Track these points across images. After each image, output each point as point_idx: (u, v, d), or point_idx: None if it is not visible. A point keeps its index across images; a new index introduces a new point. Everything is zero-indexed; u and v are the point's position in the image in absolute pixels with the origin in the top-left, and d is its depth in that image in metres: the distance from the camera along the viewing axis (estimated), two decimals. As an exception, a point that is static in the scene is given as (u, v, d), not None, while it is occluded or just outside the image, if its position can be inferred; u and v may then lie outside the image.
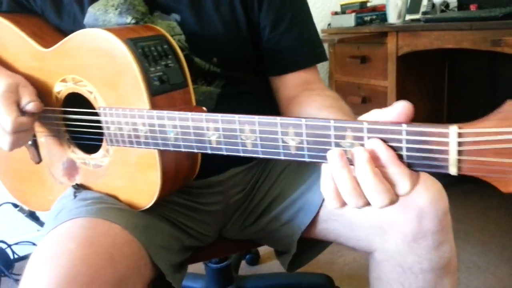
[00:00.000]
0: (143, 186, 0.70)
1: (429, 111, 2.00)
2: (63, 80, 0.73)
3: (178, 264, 0.78)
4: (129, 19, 0.73)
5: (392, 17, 1.93)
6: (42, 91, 0.75)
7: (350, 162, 0.45)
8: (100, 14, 0.74)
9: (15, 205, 1.56)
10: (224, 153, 0.56)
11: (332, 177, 0.45)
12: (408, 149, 0.41)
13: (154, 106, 0.65)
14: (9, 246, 1.72)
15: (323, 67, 2.22)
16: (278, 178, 0.87)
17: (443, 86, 2.05)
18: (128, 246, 0.64)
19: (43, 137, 0.79)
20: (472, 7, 1.80)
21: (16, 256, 1.73)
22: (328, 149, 0.46)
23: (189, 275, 0.83)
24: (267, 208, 0.86)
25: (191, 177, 0.75)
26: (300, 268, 0.88)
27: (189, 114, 0.57)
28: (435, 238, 0.69)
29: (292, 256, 0.82)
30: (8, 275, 1.57)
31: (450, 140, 0.38)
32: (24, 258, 1.77)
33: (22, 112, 0.69)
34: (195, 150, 0.58)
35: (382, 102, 1.86)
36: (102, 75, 0.68)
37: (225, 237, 0.91)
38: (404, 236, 0.69)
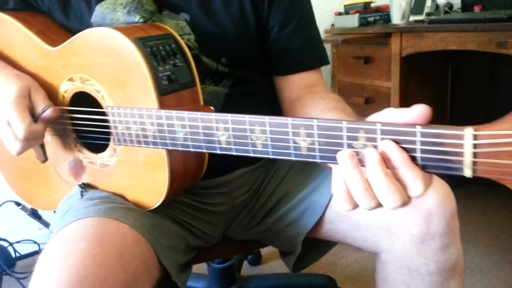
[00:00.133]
0: (151, 186, 0.70)
1: (432, 112, 1.99)
2: (70, 79, 0.72)
3: (183, 264, 0.78)
4: (137, 18, 0.73)
5: (396, 18, 1.93)
6: (48, 90, 0.74)
7: (361, 163, 0.44)
8: (108, 13, 0.74)
9: (18, 204, 1.56)
10: (234, 153, 0.55)
11: (343, 179, 0.45)
12: (423, 151, 0.41)
13: (162, 105, 0.64)
14: (11, 244, 1.71)
15: (325, 68, 2.22)
16: (284, 178, 0.87)
17: (447, 87, 2.05)
18: (137, 246, 0.64)
19: (49, 136, 0.79)
20: (476, 9, 1.80)
21: (17, 255, 1.73)
22: (341, 150, 0.46)
23: (191, 275, 0.83)
24: (273, 208, 0.86)
25: (199, 177, 0.75)
26: (304, 269, 0.87)
27: (198, 114, 0.57)
28: (443, 240, 0.68)
29: (297, 256, 0.82)
30: (9, 273, 1.56)
31: (465, 142, 0.38)
32: (26, 256, 1.76)
33: (34, 117, 0.69)
34: (204, 150, 0.58)
35: (385, 103, 1.86)
36: (110, 74, 0.67)
37: (229, 238, 0.91)
38: (411, 237, 0.69)
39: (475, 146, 0.38)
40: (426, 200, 0.68)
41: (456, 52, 1.75)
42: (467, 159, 0.38)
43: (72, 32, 0.77)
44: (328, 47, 2.23)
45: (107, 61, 0.67)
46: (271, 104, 0.86)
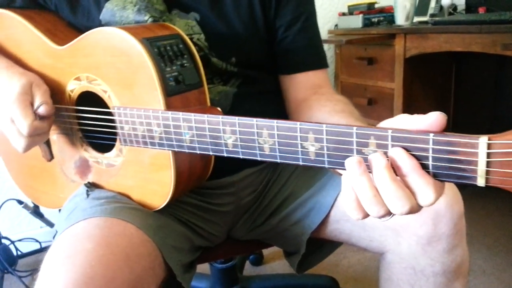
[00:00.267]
0: (156, 187, 0.69)
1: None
2: (77, 79, 0.72)
3: (188, 264, 0.78)
4: (147, 17, 0.73)
5: (400, 19, 1.92)
6: (55, 89, 0.74)
7: (370, 169, 0.44)
8: (118, 10, 0.74)
9: (20, 202, 1.56)
10: (241, 156, 0.55)
11: (352, 187, 0.45)
12: (435, 159, 0.40)
13: (169, 106, 0.64)
14: (13, 242, 1.71)
15: (328, 68, 2.22)
16: (289, 178, 0.87)
17: (450, 89, 2.04)
18: (144, 246, 0.64)
19: (55, 135, 0.78)
20: (481, 10, 1.79)
21: (19, 253, 1.73)
22: (350, 156, 0.45)
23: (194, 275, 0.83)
24: (278, 208, 0.86)
25: (204, 178, 0.74)
26: (309, 270, 0.87)
27: (205, 116, 0.56)
28: (449, 242, 0.68)
29: (301, 256, 0.82)
30: (11, 271, 1.56)
31: (480, 151, 0.37)
32: (27, 255, 1.77)
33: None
34: (211, 153, 0.58)
35: (388, 104, 1.85)
36: (117, 74, 0.67)
37: (233, 238, 0.91)
38: (418, 238, 0.69)
39: (489, 155, 0.37)
40: None
41: (460, 53, 1.74)
42: (481, 168, 0.38)
43: (79, 30, 0.77)
44: (331, 48, 2.22)
45: (115, 61, 0.67)
46: (279, 103, 0.86)
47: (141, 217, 0.68)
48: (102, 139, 0.73)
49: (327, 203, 0.78)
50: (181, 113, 0.59)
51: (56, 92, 0.74)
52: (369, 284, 1.48)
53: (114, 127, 0.69)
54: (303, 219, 0.81)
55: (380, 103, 1.91)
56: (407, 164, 0.42)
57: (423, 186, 0.41)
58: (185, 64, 0.67)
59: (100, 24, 0.75)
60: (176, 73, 0.66)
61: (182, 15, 0.75)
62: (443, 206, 0.67)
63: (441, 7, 1.91)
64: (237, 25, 0.77)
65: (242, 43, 0.78)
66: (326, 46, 2.17)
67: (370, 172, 0.44)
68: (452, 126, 1.98)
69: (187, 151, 0.60)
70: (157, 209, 0.71)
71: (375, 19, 2.01)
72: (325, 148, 0.47)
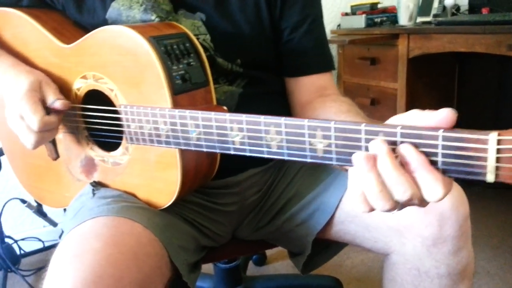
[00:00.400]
0: (162, 185, 0.69)
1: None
2: (84, 77, 0.72)
3: (193, 264, 0.78)
4: (153, 16, 0.73)
5: (403, 19, 1.92)
6: (61, 88, 0.74)
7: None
8: (124, 10, 0.74)
9: (23, 201, 1.56)
10: (248, 154, 0.55)
11: (358, 181, 0.45)
12: (444, 155, 0.40)
13: (175, 105, 0.64)
14: (16, 241, 1.72)
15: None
16: (294, 178, 0.87)
17: (453, 90, 2.04)
18: (151, 246, 0.64)
19: (61, 134, 0.79)
20: (484, 11, 1.79)
21: (22, 252, 1.73)
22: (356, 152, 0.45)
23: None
24: (282, 208, 0.85)
25: (210, 177, 0.74)
26: (314, 270, 0.87)
27: (212, 114, 0.57)
28: (455, 244, 0.68)
29: (306, 257, 0.82)
30: (14, 270, 1.56)
31: (489, 147, 0.37)
32: (31, 254, 1.77)
33: (47, 110, 0.69)
34: (218, 151, 0.58)
35: (391, 104, 1.85)
36: (124, 73, 0.67)
37: (238, 238, 0.91)
38: (423, 240, 0.68)
39: (498, 151, 0.37)
40: (440, 202, 0.67)
41: (463, 54, 1.74)
42: (490, 164, 0.38)
43: (86, 28, 0.78)
44: (334, 48, 2.22)
45: (122, 59, 0.67)
46: (285, 104, 0.86)
47: (148, 216, 0.68)
48: (108, 138, 0.73)
49: (332, 204, 0.78)
50: (188, 111, 0.59)
51: (62, 90, 0.74)
52: (372, 284, 1.48)
53: (120, 126, 0.69)
54: (308, 220, 0.81)
55: (383, 104, 1.91)
56: (415, 160, 0.42)
57: (431, 181, 0.42)
58: (192, 63, 0.68)
59: (105, 23, 0.75)
60: (183, 71, 0.66)
61: (188, 15, 0.76)
62: (448, 208, 0.67)
63: (444, 8, 1.91)
64: (242, 25, 0.77)
65: (248, 44, 0.79)
66: (329, 46, 2.17)
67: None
68: (455, 127, 1.98)
69: (193, 149, 0.60)
70: (163, 207, 0.71)
71: (378, 19, 2.00)
72: (333, 145, 0.47)
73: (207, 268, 1.15)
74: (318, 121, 0.48)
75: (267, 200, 0.88)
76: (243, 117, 0.53)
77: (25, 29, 0.77)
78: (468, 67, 2.03)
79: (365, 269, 1.54)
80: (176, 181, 0.67)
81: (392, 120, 0.45)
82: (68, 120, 0.77)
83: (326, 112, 0.74)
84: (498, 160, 0.37)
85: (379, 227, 0.74)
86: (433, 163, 0.41)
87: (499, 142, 0.37)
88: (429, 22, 1.87)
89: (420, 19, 1.94)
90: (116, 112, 0.69)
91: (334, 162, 0.48)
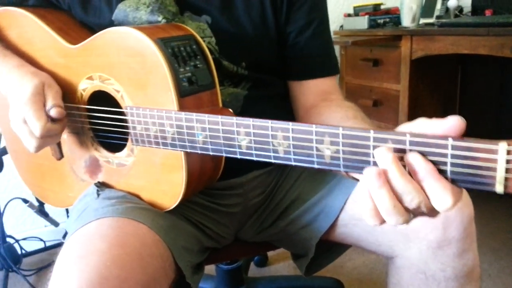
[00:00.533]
0: (167, 187, 0.69)
1: (440, 116, 1.98)
2: (90, 78, 0.72)
3: (197, 265, 0.78)
4: (160, 18, 0.73)
5: (406, 21, 1.92)
6: (67, 88, 0.74)
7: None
8: (131, 11, 0.74)
9: (25, 201, 1.56)
10: (254, 158, 0.55)
11: (370, 196, 0.44)
12: (453, 165, 0.40)
13: (182, 107, 0.64)
14: (17, 241, 1.72)
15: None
16: (297, 180, 0.87)
17: (456, 92, 2.04)
18: (156, 247, 0.64)
19: (66, 134, 0.78)
20: (487, 13, 1.78)
21: (23, 252, 1.73)
22: (366, 160, 0.45)
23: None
24: (286, 210, 0.85)
25: (215, 179, 0.74)
26: (317, 272, 0.87)
27: (219, 117, 0.56)
28: (459, 246, 0.68)
29: (309, 259, 0.82)
30: (15, 270, 1.56)
31: (499, 157, 0.37)
32: (32, 253, 1.77)
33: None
34: (224, 154, 0.58)
35: (394, 105, 1.85)
36: (130, 74, 0.67)
37: (241, 239, 0.91)
38: (428, 243, 0.68)
39: (508, 161, 0.37)
40: None
41: (466, 56, 1.74)
42: (500, 174, 0.37)
43: (92, 29, 0.77)
44: (336, 49, 2.21)
45: (128, 61, 0.67)
46: (289, 107, 0.86)
47: (153, 217, 0.68)
48: (114, 139, 0.73)
49: (336, 207, 0.78)
50: (194, 113, 0.59)
51: (68, 91, 0.74)
52: (373, 286, 1.48)
53: (126, 127, 0.69)
54: (311, 223, 0.81)
55: (385, 105, 1.91)
56: (423, 168, 0.41)
57: (439, 190, 0.41)
58: (198, 65, 0.67)
59: (112, 24, 0.75)
60: (190, 73, 0.66)
61: (194, 17, 0.75)
62: (453, 210, 0.67)
63: (447, 9, 1.90)
64: (248, 29, 0.77)
65: (253, 47, 0.78)
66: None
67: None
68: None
69: (199, 152, 0.60)
70: (167, 209, 0.71)
71: (381, 21, 2.00)
72: (341, 152, 0.47)
73: (209, 269, 1.15)
74: (326, 127, 0.47)
75: (270, 202, 0.88)
76: (251, 121, 0.53)
77: (30, 28, 0.77)
78: (470, 69, 2.03)
79: (367, 271, 1.54)
80: (181, 183, 0.67)
81: (400, 129, 0.45)
82: (73, 121, 0.77)
83: (332, 118, 0.74)
84: (507, 171, 0.37)
85: (384, 231, 0.74)
86: (442, 172, 0.41)
87: (508, 152, 0.37)
88: (432, 24, 1.86)
89: (423, 21, 1.94)
90: (121, 113, 0.69)
91: (341, 169, 0.48)
